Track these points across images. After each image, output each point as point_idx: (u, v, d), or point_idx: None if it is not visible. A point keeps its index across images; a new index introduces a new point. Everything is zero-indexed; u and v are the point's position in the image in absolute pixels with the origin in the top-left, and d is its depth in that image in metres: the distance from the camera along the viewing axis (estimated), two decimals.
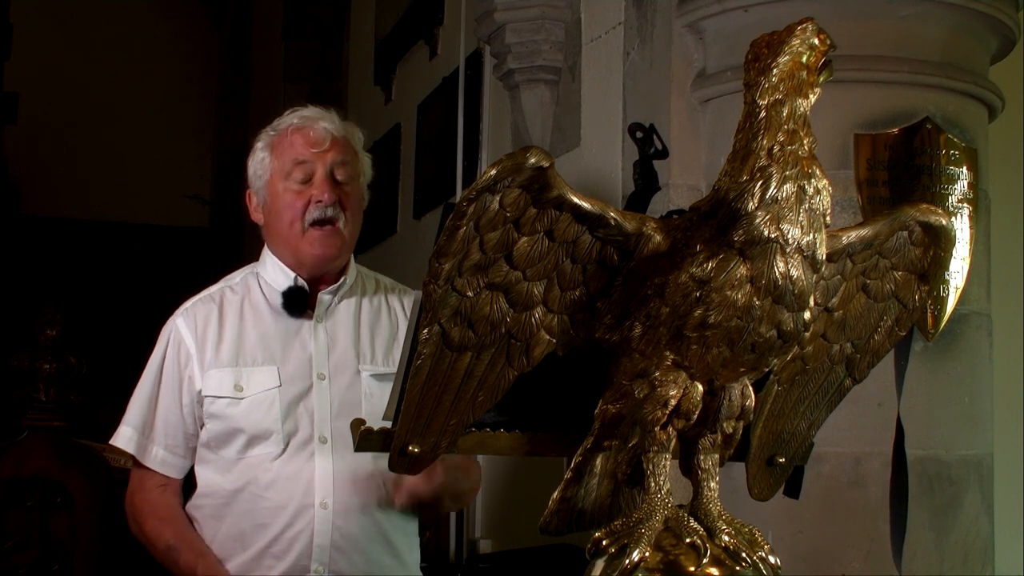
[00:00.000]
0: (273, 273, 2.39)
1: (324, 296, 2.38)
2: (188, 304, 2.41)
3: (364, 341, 2.39)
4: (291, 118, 2.38)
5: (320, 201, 2.30)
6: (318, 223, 2.31)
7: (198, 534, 2.35)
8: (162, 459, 2.37)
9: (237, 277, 2.45)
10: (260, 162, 2.38)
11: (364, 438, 1.43)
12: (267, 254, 2.42)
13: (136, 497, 2.40)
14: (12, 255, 8.47)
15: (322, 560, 2.28)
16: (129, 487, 2.44)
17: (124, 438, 2.38)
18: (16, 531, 3.03)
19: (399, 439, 1.38)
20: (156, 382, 2.37)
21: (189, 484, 2.44)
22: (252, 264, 2.46)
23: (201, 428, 2.35)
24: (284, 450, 2.29)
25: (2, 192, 8.69)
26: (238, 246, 9.06)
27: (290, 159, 2.32)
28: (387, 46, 5.93)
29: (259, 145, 2.39)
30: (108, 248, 9.45)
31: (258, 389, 2.30)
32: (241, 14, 9.53)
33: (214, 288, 2.44)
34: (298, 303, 2.35)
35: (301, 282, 2.36)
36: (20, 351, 3.12)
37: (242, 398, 2.30)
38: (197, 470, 2.39)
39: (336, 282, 2.39)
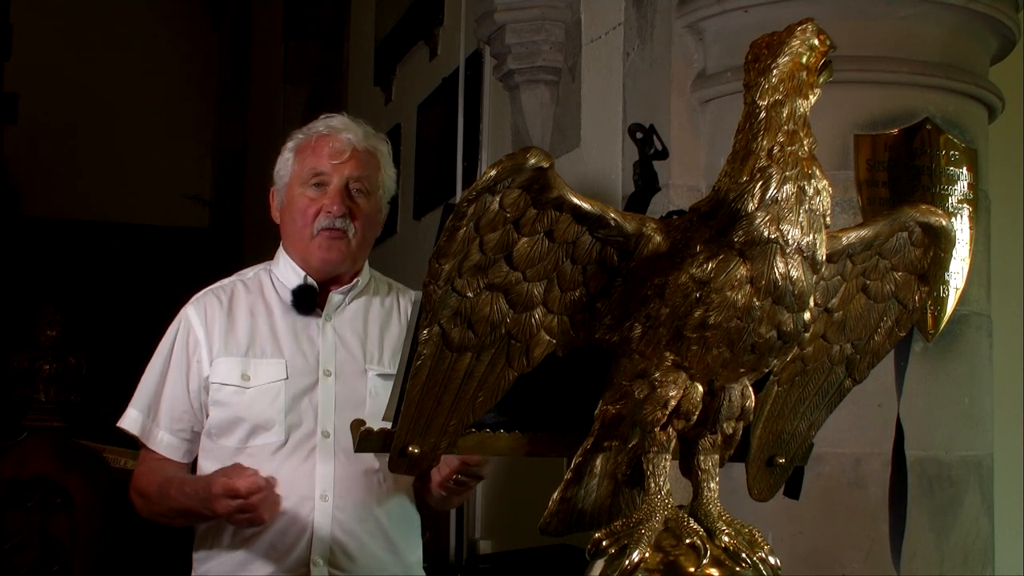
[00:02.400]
0: (285, 271, 2.44)
1: (335, 296, 2.43)
2: (199, 294, 2.46)
3: (372, 342, 2.43)
4: (320, 124, 2.44)
5: (330, 212, 2.36)
6: (326, 230, 2.37)
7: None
8: (167, 443, 2.40)
9: (250, 273, 2.50)
10: (284, 162, 2.45)
11: (364, 439, 1.44)
12: (281, 253, 2.47)
13: (138, 469, 2.44)
14: (12, 256, 8.47)
15: (322, 553, 2.30)
16: (135, 470, 2.47)
17: (130, 419, 2.41)
18: (16, 532, 3.04)
19: (399, 440, 1.38)
20: (164, 367, 2.41)
21: None
22: (267, 262, 2.51)
23: (206, 416, 2.38)
24: (286, 442, 2.32)
25: (2, 193, 8.69)
26: (238, 247, 9.06)
27: (309, 167, 2.39)
28: (387, 46, 5.93)
29: (288, 146, 2.46)
30: (108, 248, 9.45)
31: (265, 380, 2.34)
32: (241, 14, 9.53)
33: (226, 281, 2.49)
34: (307, 301, 2.40)
35: (311, 281, 2.41)
36: (20, 351, 3.12)
37: (248, 387, 2.34)
38: (200, 461, 2.41)
39: (348, 283, 2.44)
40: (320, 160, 2.38)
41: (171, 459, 2.40)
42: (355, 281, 2.45)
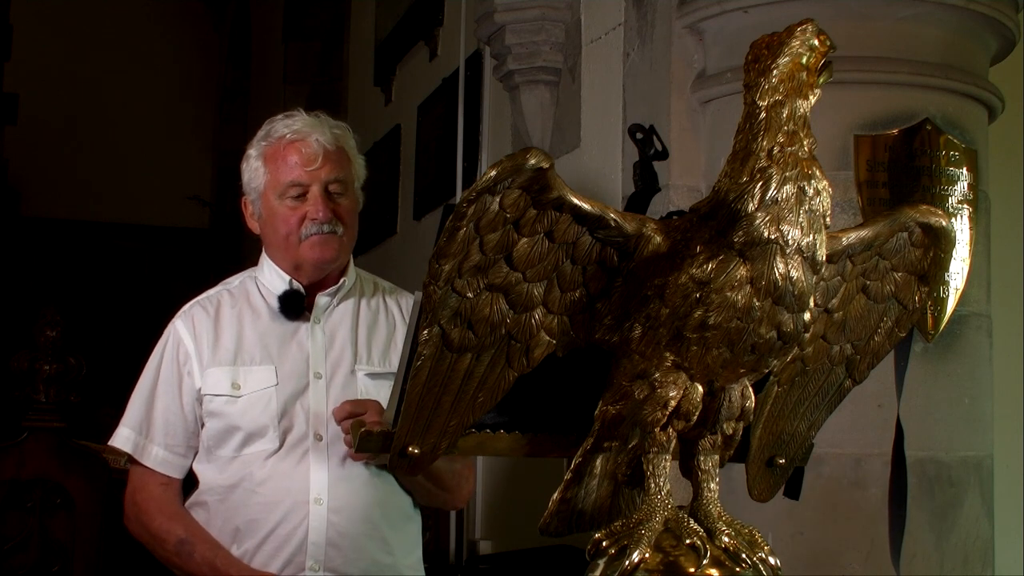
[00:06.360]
0: (271, 277, 2.43)
1: (322, 298, 2.41)
2: (186, 307, 2.44)
3: (361, 342, 2.42)
4: (283, 128, 2.38)
5: (316, 219, 2.33)
6: (315, 235, 2.34)
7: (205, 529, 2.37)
8: (163, 458, 2.39)
9: (235, 281, 2.48)
10: (254, 171, 2.41)
11: (364, 440, 1.44)
12: (265, 259, 2.46)
13: (138, 496, 2.41)
14: (13, 257, 8.47)
15: (317, 557, 2.30)
16: (129, 486, 2.45)
17: (122, 438, 2.40)
18: (16, 532, 3.04)
19: (399, 440, 1.38)
20: (154, 382, 2.39)
21: (189, 483, 2.44)
22: (251, 268, 2.49)
23: (202, 427, 2.37)
24: (280, 447, 2.32)
25: (2, 194, 8.68)
26: (238, 247, 9.05)
27: (285, 178, 2.35)
28: (387, 47, 5.93)
29: (253, 153, 2.42)
30: (108, 249, 9.44)
31: (255, 387, 2.33)
32: (241, 15, 9.52)
33: (212, 291, 2.47)
34: (295, 306, 2.39)
35: (297, 285, 2.40)
36: (20, 352, 3.13)
37: (239, 396, 2.33)
38: (195, 468, 2.40)
39: (335, 284, 2.43)
40: (294, 170, 2.34)
41: (165, 474, 2.38)
42: (341, 282, 2.43)
